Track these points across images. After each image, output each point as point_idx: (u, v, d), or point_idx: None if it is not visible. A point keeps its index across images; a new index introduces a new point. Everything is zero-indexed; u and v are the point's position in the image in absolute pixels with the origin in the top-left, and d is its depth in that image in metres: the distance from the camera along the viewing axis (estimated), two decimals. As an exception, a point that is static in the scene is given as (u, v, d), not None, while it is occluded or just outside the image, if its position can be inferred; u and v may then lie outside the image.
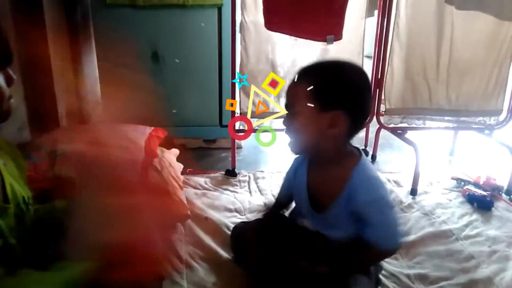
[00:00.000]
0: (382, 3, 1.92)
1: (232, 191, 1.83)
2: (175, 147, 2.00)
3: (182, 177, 1.75)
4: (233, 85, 1.92)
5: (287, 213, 1.32)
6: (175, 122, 2.25)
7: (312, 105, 0.98)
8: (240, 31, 1.90)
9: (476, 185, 1.85)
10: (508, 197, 1.83)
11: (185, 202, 1.57)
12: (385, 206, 1.04)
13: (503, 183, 1.87)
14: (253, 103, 1.96)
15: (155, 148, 1.74)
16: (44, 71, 1.89)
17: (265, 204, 1.70)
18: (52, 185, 1.44)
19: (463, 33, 1.93)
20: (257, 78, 1.94)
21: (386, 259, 1.38)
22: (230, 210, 1.66)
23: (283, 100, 1.36)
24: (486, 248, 1.47)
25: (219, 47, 2.18)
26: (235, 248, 1.34)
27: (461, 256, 1.42)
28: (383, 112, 2.08)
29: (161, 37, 2.13)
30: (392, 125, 2.09)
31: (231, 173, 1.98)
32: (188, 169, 1.92)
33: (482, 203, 1.72)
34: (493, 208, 1.72)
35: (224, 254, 1.38)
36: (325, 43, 1.86)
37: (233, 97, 1.93)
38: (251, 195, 1.82)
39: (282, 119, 1.08)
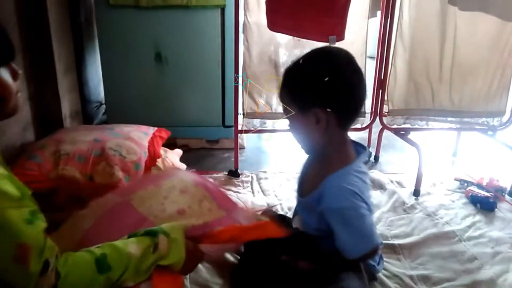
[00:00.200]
0: (385, 4, 1.92)
1: (235, 192, 1.83)
2: (178, 148, 2.01)
3: (185, 177, 1.75)
4: (236, 86, 1.92)
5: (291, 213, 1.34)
6: (178, 122, 2.26)
7: (294, 108, 1.05)
8: (243, 32, 1.91)
9: (479, 186, 1.84)
10: (511, 198, 1.83)
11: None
12: (350, 220, 1.04)
13: (506, 184, 1.86)
14: (255, 104, 1.96)
15: (158, 148, 1.75)
16: (48, 71, 1.90)
17: (268, 205, 1.70)
18: (56, 185, 1.45)
19: (467, 34, 1.92)
20: (260, 78, 1.94)
21: (388, 260, 1.39)
22: (233, 211, 1.66)
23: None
24: (489, 249, 1.47)
25: (222, 48, 2.18)
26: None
27: (464, 257, 1.42)
28: (386, 113, 2.07)
29: (164, 38, 2.13)
30: (395, 126, 2.08)
31: (234, 173, 1.98)
32: (191, 170, 1.92)
33: (485, 204, 1.72)
34: (496, 209, 1.71)
35: (227, 255, 1.38)
36: (327, 43, 1.87)
37: (236, 98, 1.94)
38: (254, 196, 1.82)
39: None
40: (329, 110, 1.02)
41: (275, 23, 1.81)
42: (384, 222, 1.62)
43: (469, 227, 1.60)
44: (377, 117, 2.07)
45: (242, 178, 1.96)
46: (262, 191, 1.86)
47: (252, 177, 1.97)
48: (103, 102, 2.44)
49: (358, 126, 2.11)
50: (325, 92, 1.02)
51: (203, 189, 1.08)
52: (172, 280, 0.85)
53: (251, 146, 2.41)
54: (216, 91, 2.25)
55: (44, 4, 1.81)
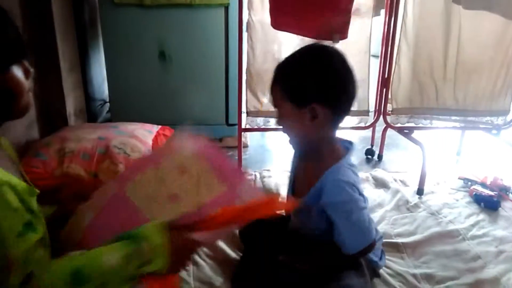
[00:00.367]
0: (389, 2, 1.92)
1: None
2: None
3: (188, 175, 1.76)
4: (240, 84, 1.93)
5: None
6: (181, 120, 2.26)
7: (288, 104, 1.04)
8: (247, 30, 1.91)
9: (483, 185, 1.84)
10: (515, 197, 1.82)
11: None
12: (350, 213, 1.06)
13: (510, 183, 1.85)
14: (259, 102, 1.96)
15: (162, 147, 1.75)
16: (52, 69, 1.91)
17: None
18: (60, 182, 1.46)
19: (471, 33, 1.92)
20: (264, 77, 1.94)
21: (391, 258, 1.39)
22: (236, 208, 1.67)
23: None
24: (493, 248, 1.46)
25: (225, 46, 2.18)
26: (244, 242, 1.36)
27: (467, 256, 1.42)
28: (389, 112, 2.07)
29: (168, 36, 2.14)
30: (399, 125, 2.08)
31: (238, 171, 1.98)
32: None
33: (489, 203, 1.72)
34: (500, 208, 1.71)
35: (231, 252, 1.38)
36: (331, 42, 1.87)
37: (240, 97, 1.94)
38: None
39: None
40: (326, 106, 1.02)
41: (278, 21, 1.82)
42: (387, 221, 1.62)
43: (473, 226, 1.60)
44: (381, 116, 2.07)
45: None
46: (266, 189, 1.86)
47: (255, 175, 1.98)
48: (107, 100, 2.44)
49: (361, 124, 2.12)
50: (324, 88, 1.02)
51: (205, 161, 1.02)
52: (165, 278, 0.84)
53: (255, 144, 2.41)
54: (219, 90, 2.25)
55: (49, 2, 1.82)
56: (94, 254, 0.73)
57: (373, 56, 2.04)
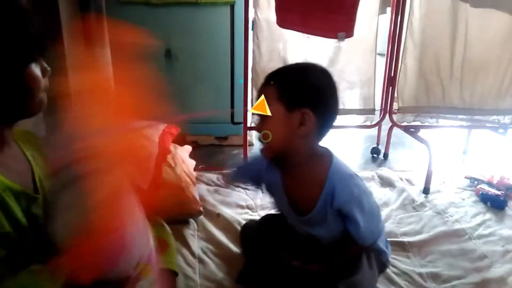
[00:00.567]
0: (395, 0, 1.91)
1: (243, 188, 1.83)
2: (188, 144, 2.02)
3: (194, 173, 1.77)
4: (246, 82, 1.93)
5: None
6: (187, 119, 2.27)
7: (280, 106, 1.01)
8: (253, 29, 1.91)
9: (489, 184, 1.83)
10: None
11: (198, 198, 1.58)
12: (363, 203, 1.07)
13: (517, 183, 1.85)
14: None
15: (169, 145, 1.76)
16: (58, 67, 1.92)
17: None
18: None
19: (478, 31, 1.91)
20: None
21: (397, 257, 1.39)
22: (242, 207, 1.68)
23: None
24: (499, 248, 1.46)
25: (231, 45, 2.18)
26: (244, 247, 1.34)
27: (474, 255, 1.42)
28: (395, 110, 2.07)
29: (174, 35, 2.14)
30: (405, 123, 2.08)
31: (243, 170, 1.98)
32: (200, 166, 1.93)
33: (495, 202, 1.71)
34: (506, 208, 1.70)
35: (236, 249, 1.39)
36: (337, 40, 1.86)
37: (245, 95, 1.94)
38: (262, 192, 1.82)
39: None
40: (316, 114, 1.01)
41: (284, 20, 1.82)
42: (393, 220, 1.62)
43: (479, 225, 1.59)
44: (387, 114, 2.06)
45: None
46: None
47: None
48: (113, 98, 2.45)
49: (367, 123, 2.11)
50: (319, 94, 1.03)
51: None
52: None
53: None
54: (225, 88, 2.26)
55: (55, 0, 1.82)
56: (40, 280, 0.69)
57: (379, 54, 2.04)
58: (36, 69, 0.76)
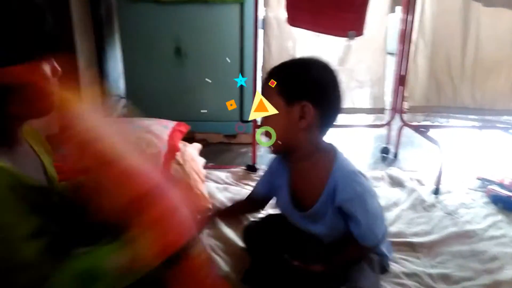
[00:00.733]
0: (406, -1, 1.90)
1: (252, 186, 1.83)
2: (197, 142, 2.02)
3: (203, 171, 1.77)
4: (255, 81, 1.93)
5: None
6: (196, 117, 2.28)
7: (280, 99, 1.02)
8: (263, 27, 1.91)
9: (501, 185, 1.81)
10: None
11: (207, 195, 1.59)
12: (366, 202, 1.06)
13: (529, 184, 1.82)
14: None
15: (178, 142, 1.77)
16: (69, 65, 1.93)
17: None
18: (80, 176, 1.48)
19: (490, 31, 1.89)
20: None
21: (408, 258, 1.38)
22: (250, 205, 1.67)
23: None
24: (510, 250, 1.44)
25: (240, 43, 2.19)
26: (248, 247, 1.34)
27: (485, 256, 1.40)
28: (406, 110, 2.05)
29: (184, 33, 2.15)
30: (415, 123, 2.07)
31: (252, 168, 1.99)
32: (209, 164, 1.94)
33: (506, 204, 1.69)
34: (518, 209, 1.68)
35: (243, 246, 1.39)
36: (347, 39, 1.86)
37: (254, 93, 1.94)
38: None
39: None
40: (316, 107, 1.00)
41: (294, 18, 1.81)
42: (403, 220, 1.61)
43: (490, 226, 1.57)
44: (397, 114, 2.05)
45: (260, 172, 1.97)
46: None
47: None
48: (123, 95, 2.47)
49: (377, 122, 2.10)
50: (319, 87, 1.03)
51: None
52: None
53: (269, 141, 2.41)
54: (234, 86, 2.26)
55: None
56: (100, 254, 0.71)
57: (389, 53, 2.03)
58: (45, 68, 0.76)
